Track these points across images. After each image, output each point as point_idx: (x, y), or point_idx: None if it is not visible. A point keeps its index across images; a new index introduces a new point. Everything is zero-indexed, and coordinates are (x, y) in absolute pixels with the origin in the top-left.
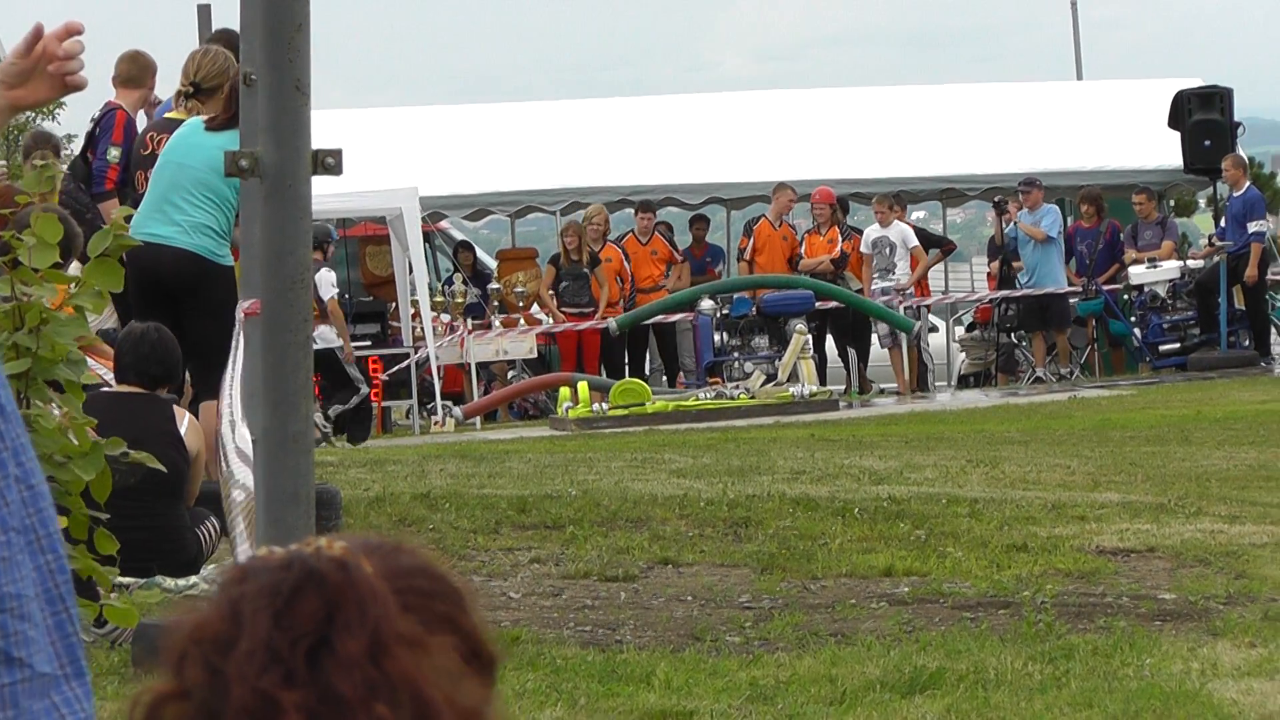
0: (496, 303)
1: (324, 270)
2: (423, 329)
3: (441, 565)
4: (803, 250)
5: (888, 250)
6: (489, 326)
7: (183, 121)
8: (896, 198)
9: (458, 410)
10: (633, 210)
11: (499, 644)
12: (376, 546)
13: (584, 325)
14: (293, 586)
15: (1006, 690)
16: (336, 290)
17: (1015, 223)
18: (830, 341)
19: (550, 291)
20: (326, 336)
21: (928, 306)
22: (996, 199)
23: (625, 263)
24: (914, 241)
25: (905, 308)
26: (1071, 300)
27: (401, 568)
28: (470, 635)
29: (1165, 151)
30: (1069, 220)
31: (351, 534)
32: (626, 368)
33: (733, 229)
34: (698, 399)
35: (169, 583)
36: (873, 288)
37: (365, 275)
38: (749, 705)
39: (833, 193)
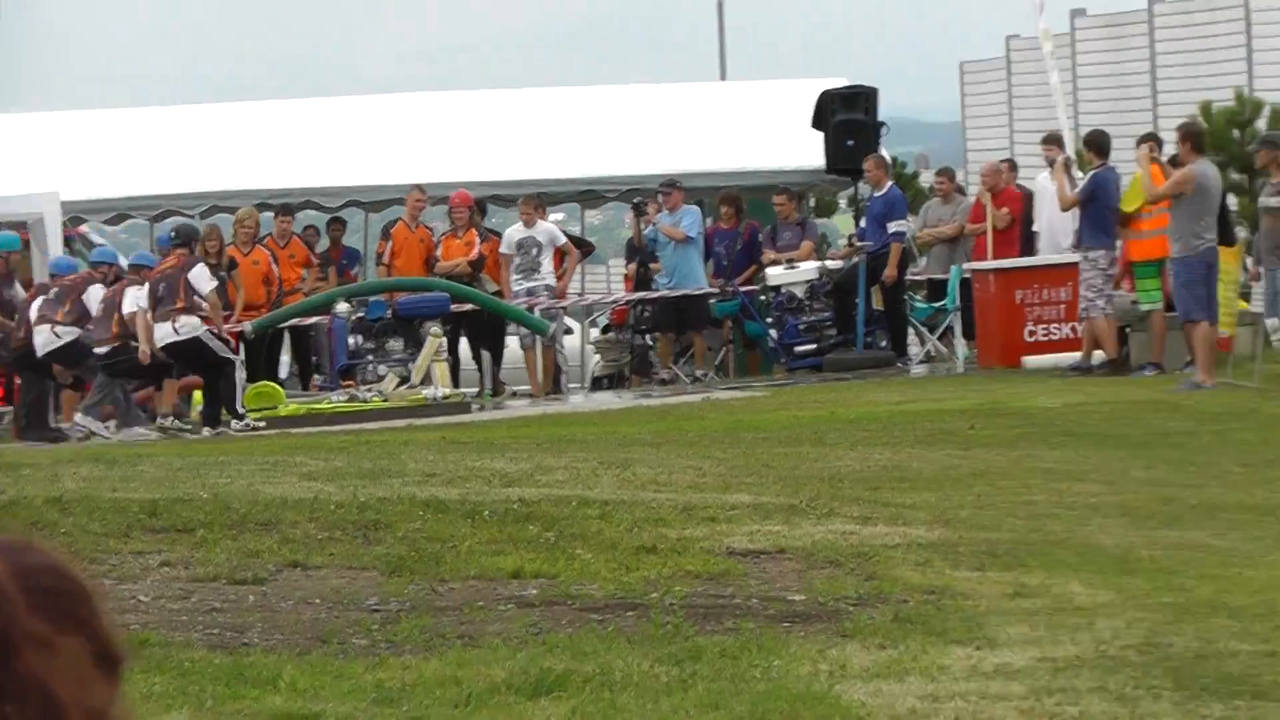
0: None
1: (200, 265)
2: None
3: (71, 565)
4: (439, 253)
5: (534, 250)
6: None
7: None
8: (538, 199)
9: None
10: (273, 214)
11: (126, 644)
12: (6, 546)
13: (226, 328)
14: None
15: (633, 692)
16: (215, 283)
17: (655, 224)
18: (465, 344)
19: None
20: (192, 325)
21: (563, 308)
22: (635, 200)
23: (274, 265)
24: (561, 239)
25: (541, 310)
26: (710, 301)
27: (30, 567)
28: (98, 635)
29: (808, 151)
30: (709, 221)
31: None
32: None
33: (371, 231)
34: (330, 402)
35: None
36: (517, 288)
37: None
38: (374, 708)
39: (470, 195)
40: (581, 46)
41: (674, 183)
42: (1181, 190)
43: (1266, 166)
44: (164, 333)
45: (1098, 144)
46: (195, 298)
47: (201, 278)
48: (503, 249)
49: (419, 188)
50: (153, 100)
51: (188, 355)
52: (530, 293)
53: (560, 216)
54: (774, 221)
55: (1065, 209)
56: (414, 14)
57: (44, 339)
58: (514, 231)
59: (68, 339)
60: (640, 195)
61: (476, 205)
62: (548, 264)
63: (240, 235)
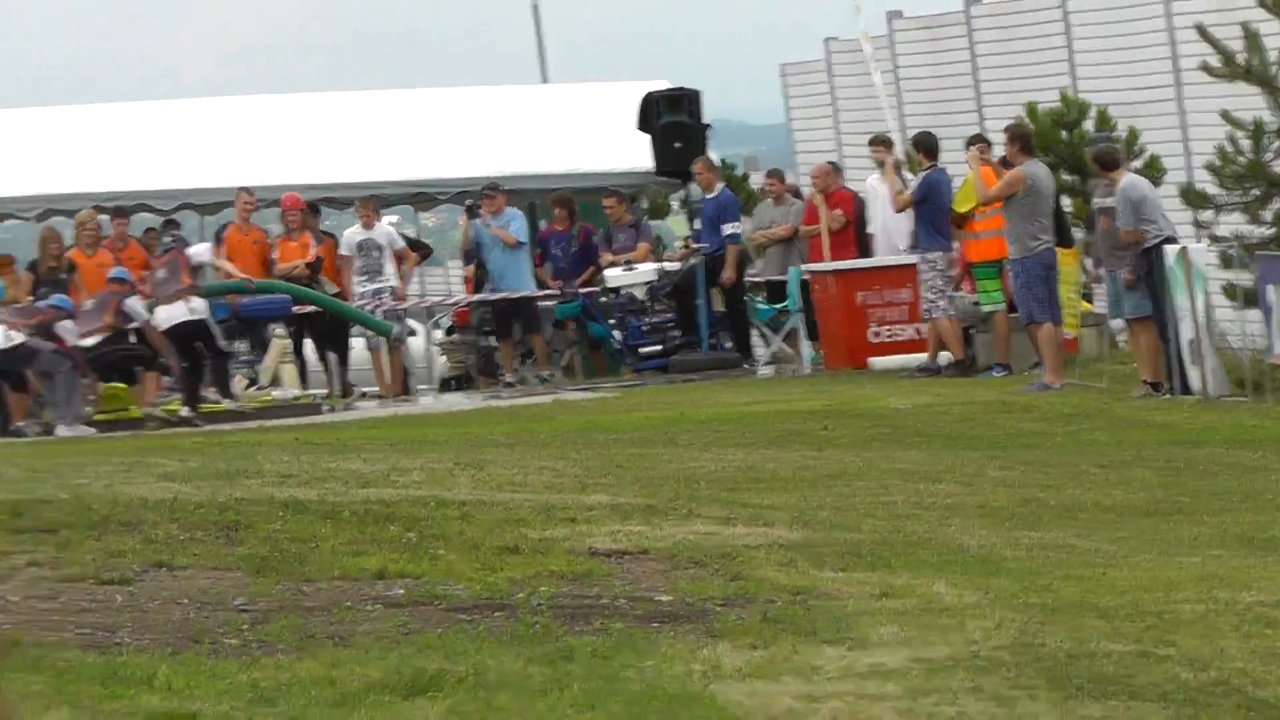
0: None
1: (200, 245)
2: None
3: None
4: (276, 255)
5: (375, 252)
6: None
7: None
8: (375, 201)
9: None
10: (108, 217)
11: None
12: None
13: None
14: None
15: (509, 692)
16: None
17: (486, 225)
18: (310, 345)
19: (30, 298)
20: (203, 307)
21: (404, 310)
22: (467, 203)
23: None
24: (400, 242)
25: (383, 312)
26: (549, 303)
27: None
28: None
29: (636, 154)
30: (542, 223)
31: None
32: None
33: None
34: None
35: None
36: (361, 290)
37: None
38: (251, 707)
39: (300, 198)
40: (401, 50)
41: (496, 186)
42: (1014, 191)
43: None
44: (177, 313)
45: (927, 145)
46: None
47: (203, 251)
48: (343, 250)
49: (246, 190)
50: None
51: (192, 337)
52: (376, 294)
53: (394, 218)
54: (608, 223)
55: (899, 210)
56: (228, 16)
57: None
58: (353, 233)
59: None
60: (471, 197)
61: (310, 207)
62: (390, 266)
63: (83, 238)
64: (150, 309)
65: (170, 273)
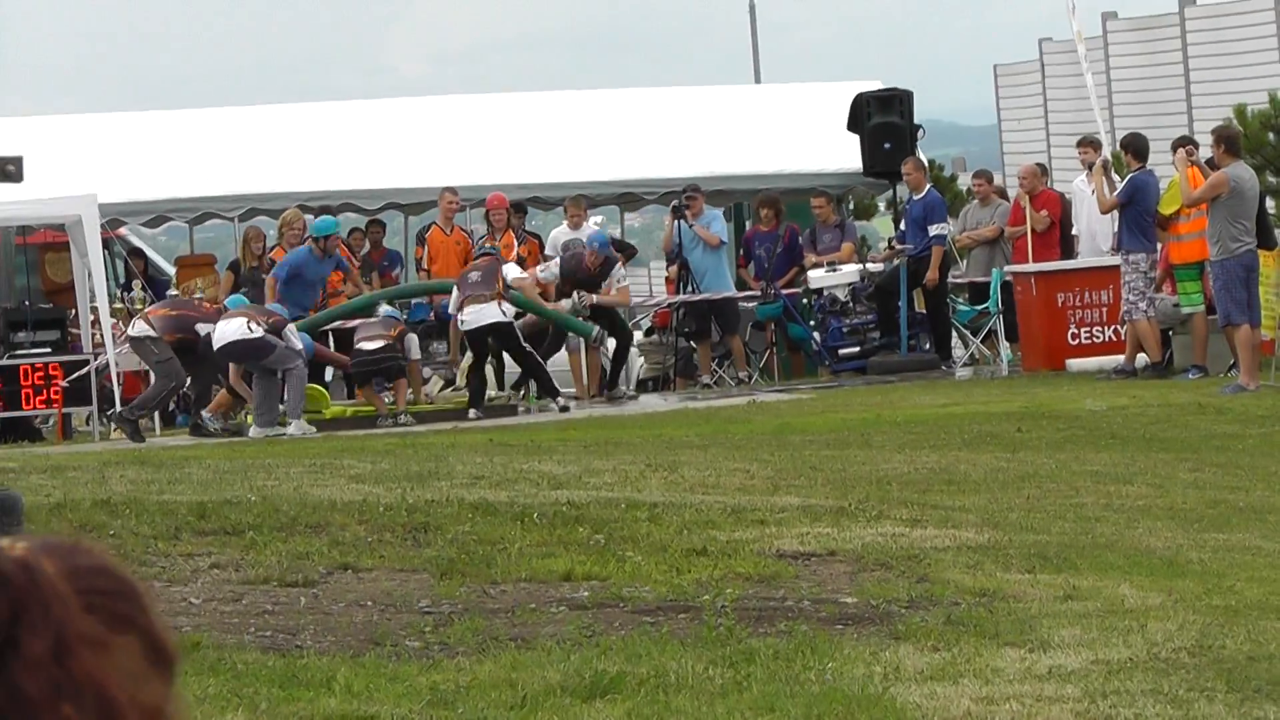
0: None
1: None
2: (102, 336)
3: (119, 565)
4: None
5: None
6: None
7: None
8: (585, 201)
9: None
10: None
11: (177, 643)
12: (56, 547)
13: None
14: None
15: (688, 694)
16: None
17: (691, 226)
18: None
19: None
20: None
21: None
22: (674, 203)
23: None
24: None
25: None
26: (750, 304)
27: (81, 568)
28: (150, 634)
29: (845, 154)
30: (748, 224)
31: (31, 535)
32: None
33: (410, 234)
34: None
35: None
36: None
37: (45, 282)
38: (429, 710)
39: (505, 197)
40: (614, 48)
41: (696, 188)
42: (1217, 193)
43: None
44: (488, 314)
45: (1136, 147)
46: None
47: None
48: (548, 250)
49: (450, 190)
50: (187, 103)
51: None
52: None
53: (600, 219)
54: (812, 224)
55: (1105, 211)
56: (447, 14)
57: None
58: (560, 233)
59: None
60: (678, 198)
61: (516, 207)
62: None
63: (288, 237)
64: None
65: (484, 276)
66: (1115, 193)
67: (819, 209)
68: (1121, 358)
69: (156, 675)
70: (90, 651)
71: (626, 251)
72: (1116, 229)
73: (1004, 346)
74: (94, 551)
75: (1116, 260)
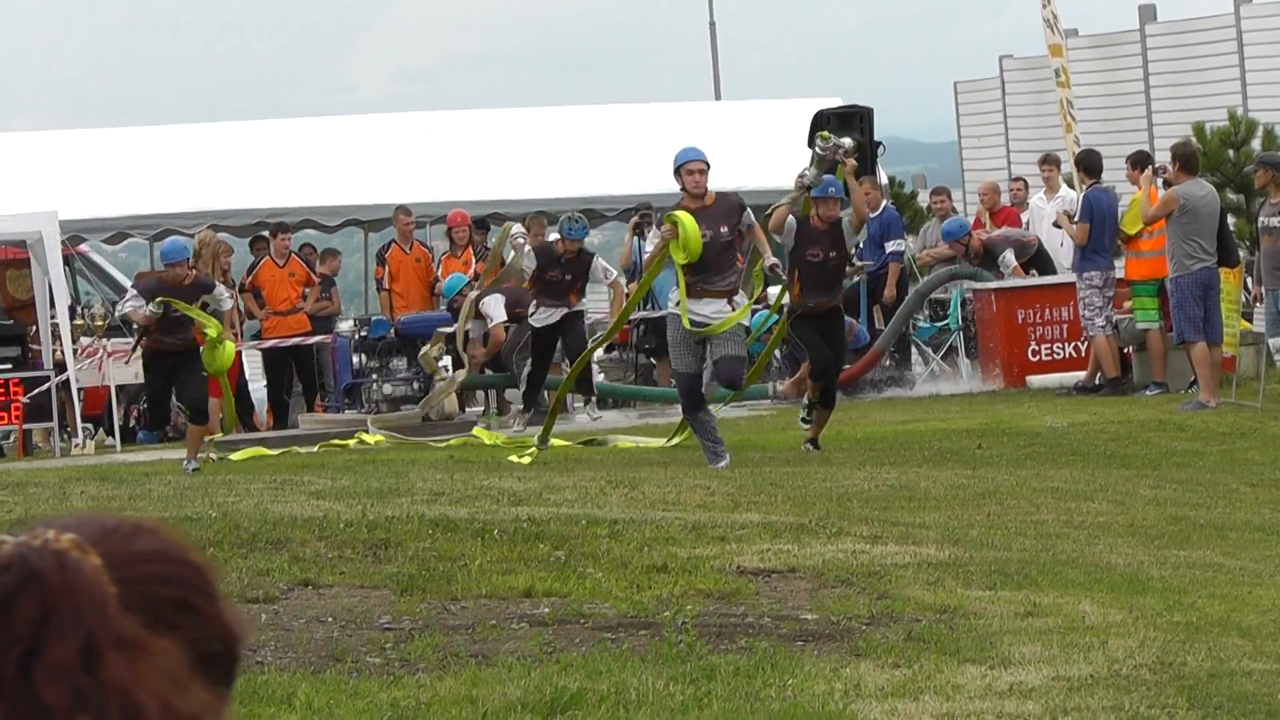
0: (135, 326)
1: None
2: (63, 352)
3: (184, 548)
4: (439, 273)
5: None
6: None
7: None
8: (545, 219)
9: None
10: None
11: (244, 633)
12: (111, 531)
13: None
14: (10, 591)
15: (648, 711)
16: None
17: (646, 242)
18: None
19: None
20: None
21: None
22: (633, 219)
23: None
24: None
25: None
26: None
27: (135, 554)
28: (206, 625)
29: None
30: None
31: (88, 516)
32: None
33: (370, 250)
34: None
35: None
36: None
37: (6, 299)
38: None
39: (467, 215)
40: (574, 66)
41: (649, 206)
42: (1168, 211)
43: (1266, 186)
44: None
45: (1088, 164)
46: None
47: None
48: (525, 263)
49: (404, 209)
50: (148, 119)
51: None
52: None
53: (556, 236)
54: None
55: (1081, 243)
56: (408, 33)
57: None
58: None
59: None
60: (639, 213)
61: (477, 224)
62: None
63: (205, 257)
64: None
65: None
66: (1073, 208)
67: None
68: (1083, 374)
69: (203, 676)
70: (122, 657)
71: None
72: (1074, 246)
73: (964, 363)
74: (154, 533)
75: (1074, 277)
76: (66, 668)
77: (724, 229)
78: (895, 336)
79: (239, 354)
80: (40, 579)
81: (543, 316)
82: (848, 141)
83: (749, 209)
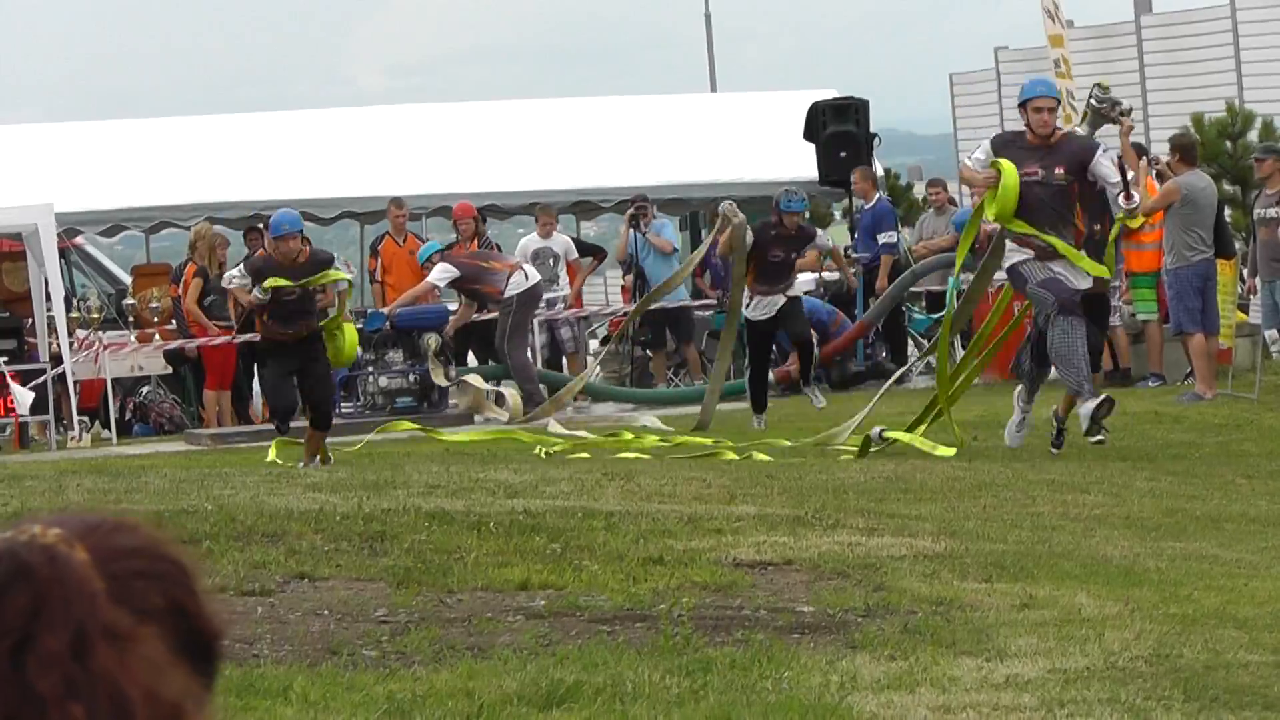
0: (131, 318)
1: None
2: (59, 344)
3: (165, 543)
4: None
5: (550, 261)
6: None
7: None
8: (556, 211)
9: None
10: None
11: (223, 623)
12: (95, 527)
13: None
14: (1, 584)
15: (644, 703)
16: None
17: (644, 234)
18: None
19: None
20: None
21: (584, 318)
22: (629, 211)
23: None
24: (575, 253)
25: (561, 320)
26: (706, 313)
27: (119, 549)
28: (189, 617)
29: (800, 163)
30: (704, 232)
31: (69, 513)
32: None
33: (366, 242)
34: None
35: None
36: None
37: (2, 291)
38: (386, 719)
39: (472, 206)
40: (570, 59)
41: (644, 197)
42: (1170, 202)
43: (1269, 176)
44: None
45: None
46: None
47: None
48: (517, 257)
49: (396, 202)
50: (143, 113)
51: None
52: (549, 304)
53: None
54: None
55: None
56: (404, 27)
57: None
58: (530, 241)
59: None
60: (635, 205)
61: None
62: (564, 274)
63: (200, 250)
64: None
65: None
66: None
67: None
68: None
69: (186, 664)
70: (111, 647)
71: (597, 255)
72: None
73: (960, 355)
74: (136, 529)
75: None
76: (57, 658)
77: (1059, 171)
78: (882, 314)
79: (235, 348)
80: (30, 572)
81: (760, 308)
82: (1125, 103)
83: (1108, 155)
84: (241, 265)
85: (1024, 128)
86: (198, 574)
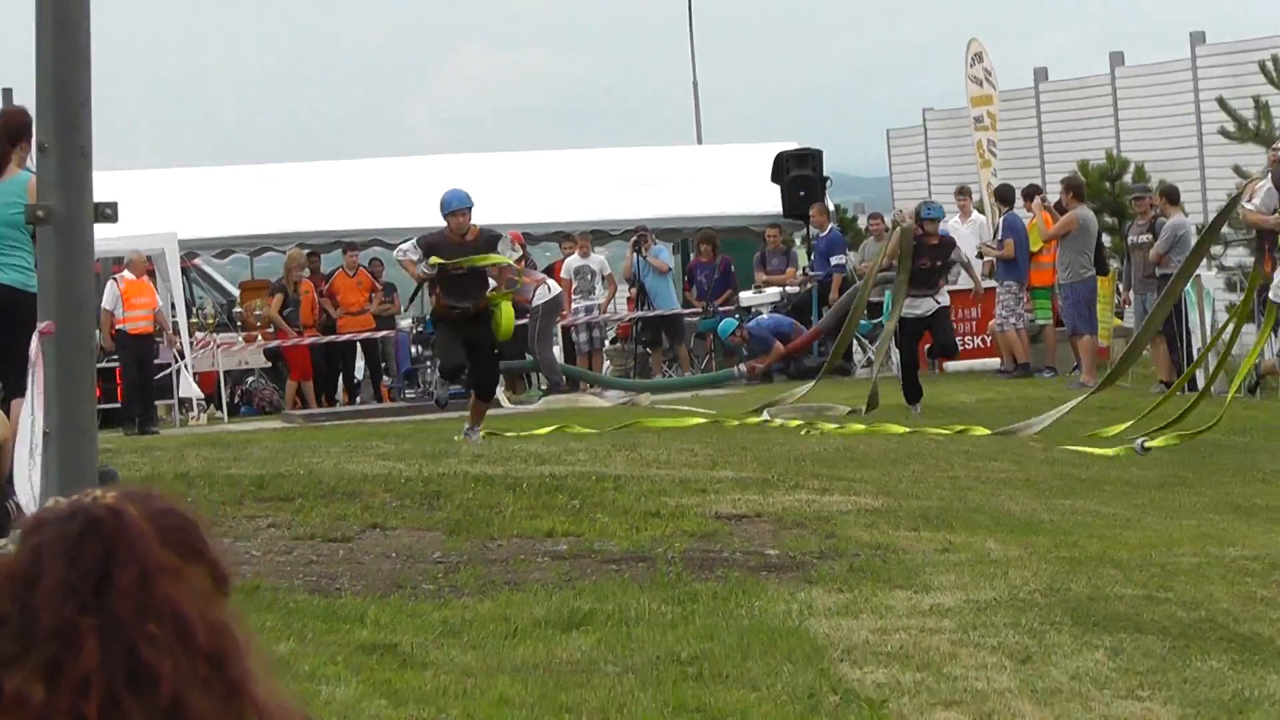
0: (239, 323)
1: None
2: (182, 344)
3: (185, 506)
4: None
5: (589, 276)
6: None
7: None
8: (568, 237)
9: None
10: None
11: (233, 567)
12: (135, 494)
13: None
14: (79, 532)
15: (645, 626)
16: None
17: (645, 257)
18: None
19: (280, 314)
20: None
21: (607, 321)
22: (634, 238)
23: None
24: (609, 269)
25: (593, 323)
26: (694, 319)
27: (157, 510)
28: (212, 561)
29: (768, 200)
30: (692, 255)
31: (113, 487)
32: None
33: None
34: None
35: None
36: (576, 306)
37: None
38: (442, 639)
39: (521, 235)
40: (585, 116)
41: (645, 228)
42: (1068, 230)
43: (1142, 212)
44: None
45: (1002, 195)
46: None
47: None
48: (563, 275)
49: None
50: (249, 157)
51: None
52: (588, 310)
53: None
54: (761, 250)
55: (1006, 259)
56: (457, 89)
57: None
58: (572, 261)
59: None
60: (636, 235)
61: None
62: (600, 288)
63: (294, 273)
64: None
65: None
66: (998, 235)
67: (772, 238)
68: (990, 360)
69: (220, 596)
70: (169, 579)
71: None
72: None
73: (895, 353)
74: (164, 496)
75: (991, 284)
76: (131, 589)
77: None
78: (834, 321)
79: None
80: (99, 523)
81: (912, 307)
82: None
83: None
84: (414, 240)
85: None
86: (209, 529)
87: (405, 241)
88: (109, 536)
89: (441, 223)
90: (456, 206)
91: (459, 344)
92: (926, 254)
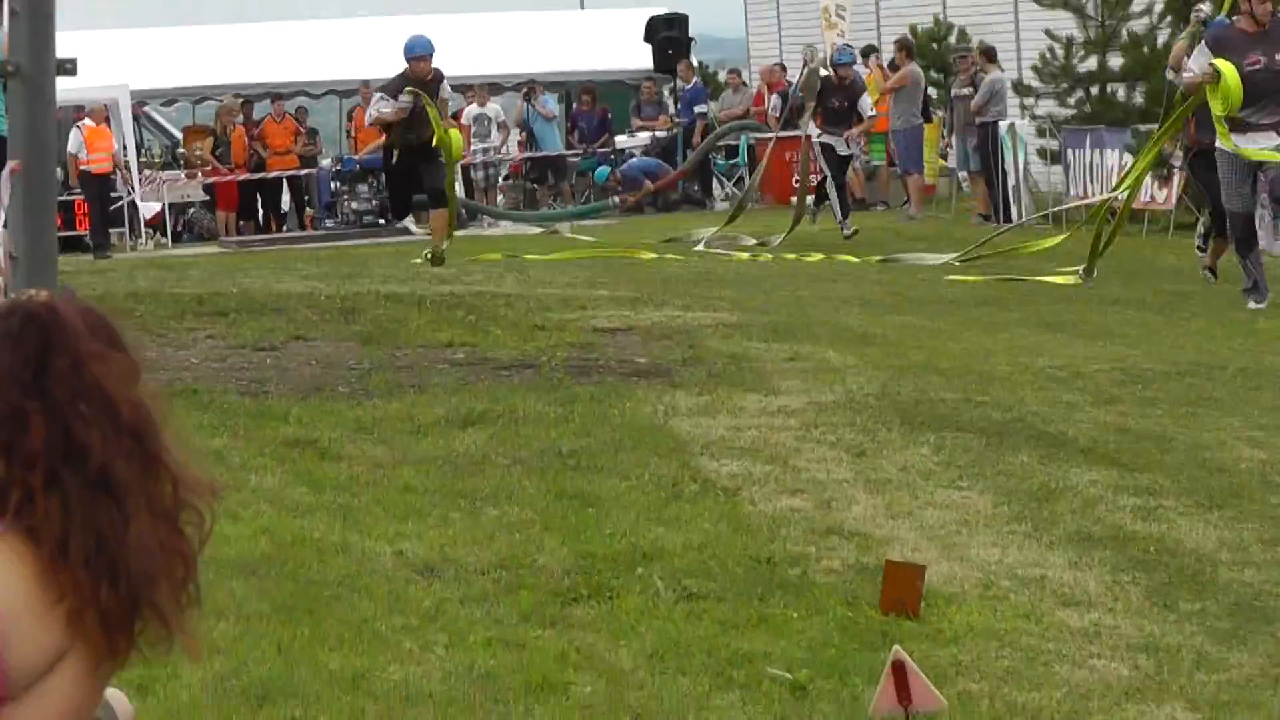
0: (182, 162)
1: None
2: (132, 180)
3: (97, 306)
4: None
5: (486, 123)
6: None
7: None
8: (469, 88)
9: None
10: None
11: (141, 355)
12: (65, 296)
13: (243, 177)
14: (19, 326)
15: (532, 424)
16: None
17: (533, 105)
18: None
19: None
20: None
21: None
22: (524, 90)
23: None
24: (503, 116)
25: (487, 165)
26: (575, 160)
27: (82, 308)
28: (130, 349)
29: (641, 58)
30: (574, 105)
31: (43, 291)
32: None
33: (344, 111)
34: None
35: None
36: (473, 148)
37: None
38: (355, 434)
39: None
40: None
41: (534, 81)
42: (902, 84)
43: (965, 68)
44: None
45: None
46: None
47: None
48: (464, 121)
49: (365, 84)
50: (190, 21)
51: None
52: (484, 152)
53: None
54: (637, 100)
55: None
56: None
57: None
58: (472, 110)
59: None
60: (528, 87)
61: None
62: (495, 133)
63: (226, 119)
64: None
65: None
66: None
67: (648, 89)
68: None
69: (135, 380)
70: (98, 363)
71: (502, 128)
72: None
73: (754, 189)
74: (83, 300)
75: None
76: (65, 373)
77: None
78: (696, 163)
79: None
80: (37, 317)
81: (832, 140)
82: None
83: None
84: (378, 95)
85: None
86: (121, 328)
87: (372, 106)
88: (46, 328)
89: (403, 65)
90: (420, 52)
91: (410, 184)
92: (837, 95)
